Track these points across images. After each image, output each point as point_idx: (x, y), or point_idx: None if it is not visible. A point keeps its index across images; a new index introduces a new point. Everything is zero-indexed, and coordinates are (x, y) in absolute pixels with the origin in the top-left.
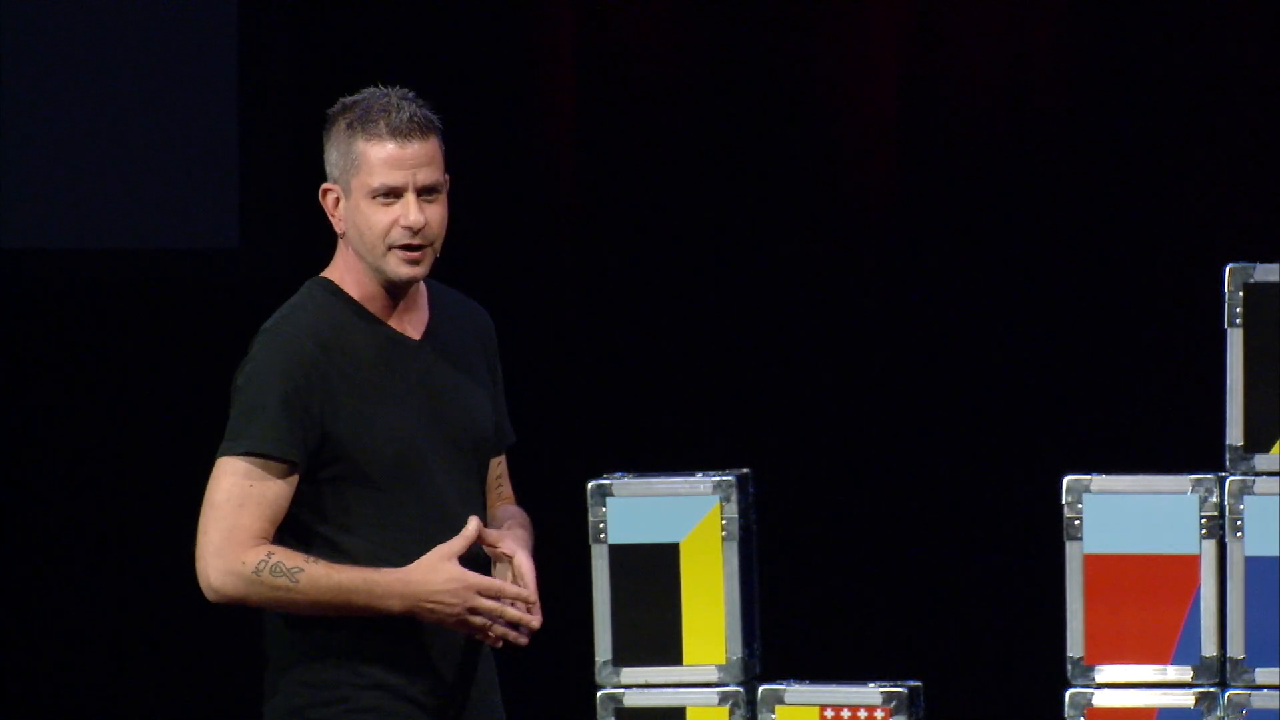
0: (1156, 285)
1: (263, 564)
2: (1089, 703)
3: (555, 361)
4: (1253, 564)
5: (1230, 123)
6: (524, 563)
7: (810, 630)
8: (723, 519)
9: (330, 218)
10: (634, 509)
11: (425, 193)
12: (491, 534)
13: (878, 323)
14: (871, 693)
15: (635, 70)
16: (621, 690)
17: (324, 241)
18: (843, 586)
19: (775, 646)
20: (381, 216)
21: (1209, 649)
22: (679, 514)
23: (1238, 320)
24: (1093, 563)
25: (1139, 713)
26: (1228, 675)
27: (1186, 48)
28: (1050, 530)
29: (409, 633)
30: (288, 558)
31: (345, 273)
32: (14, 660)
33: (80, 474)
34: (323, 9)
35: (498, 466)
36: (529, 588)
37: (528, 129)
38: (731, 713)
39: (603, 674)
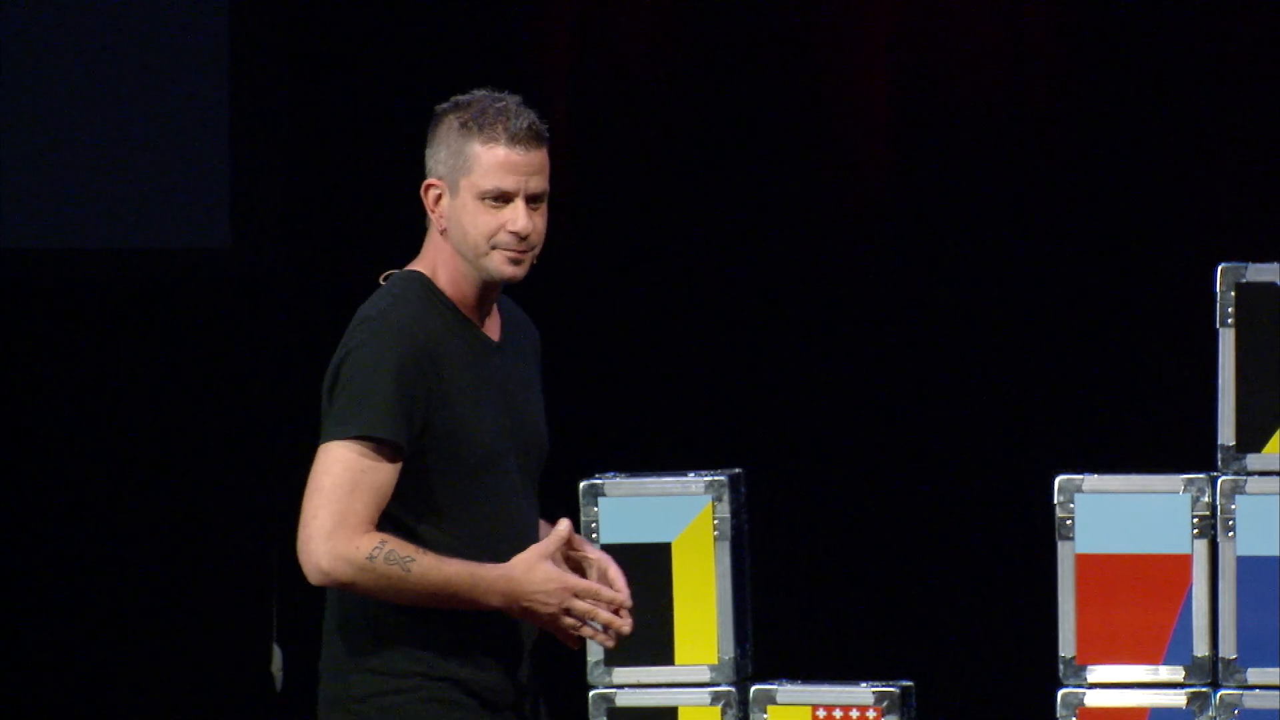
0: (1149, 285)
1: (377, 551)
2: (1081, 703)
3: (547, 362)
4: (1245, 564)
5: (1223, 123)
6: (614, 568)
7: (802, 630)
8: (715, 519)
9: (429, 213)
10: (626, 509)
11: (533, 200)
12: (578, 539)
13: (870, 323)
14: (863, 692)
15: (625, 67)
16: (614, 690)
17: (315, 241)
18: (835, 586)
19: (767, 646)
20: (489, 219)
21: (1201, 649)
22: (671, 514)
23: (1230, 320)
24: (1085, 562)
25: (1131, 713)
26: (1220, 675)
27: (1181, 47)
28: (1042, 530)
29: (481, 628)
30: (400, 546)
31: (439, 269)
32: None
33: (71, 473)
34: (314, 9)
35: None
36: (622, 593)
37: None
38: (724, 713)
39: (595, 674)
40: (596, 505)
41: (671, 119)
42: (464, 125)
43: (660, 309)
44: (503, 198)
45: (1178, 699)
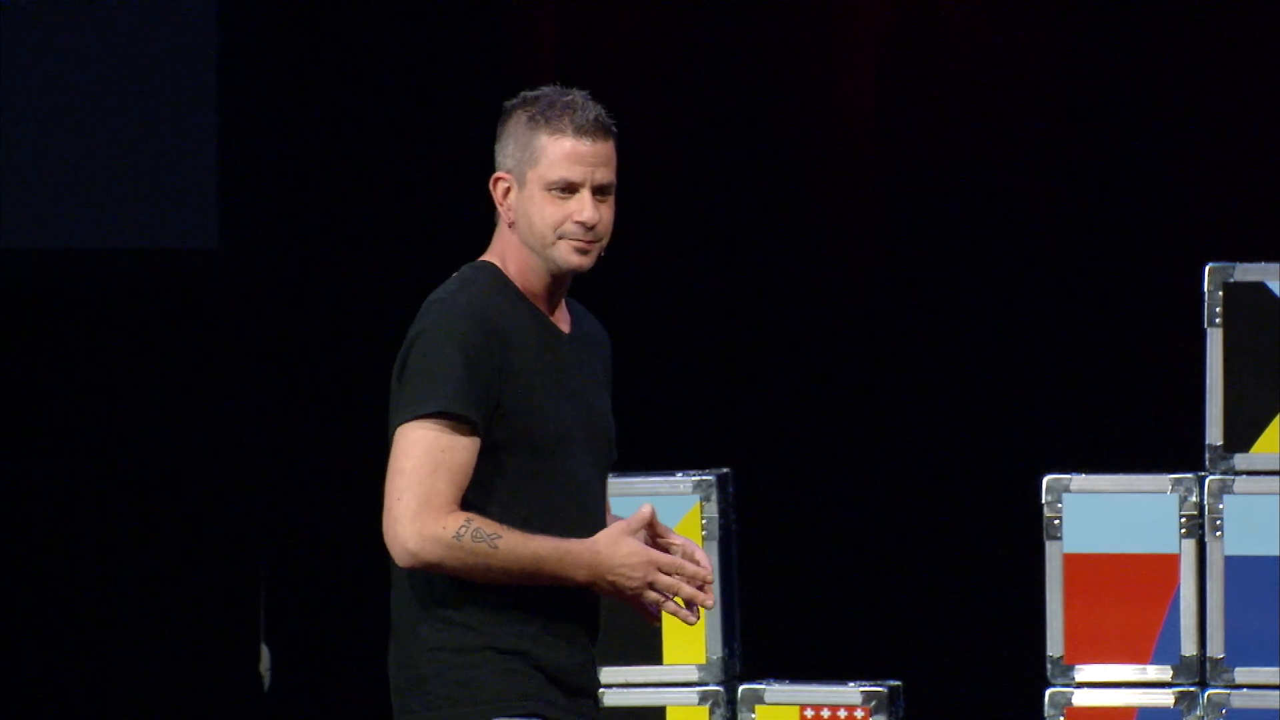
0: (1136, 285)
1: (464, 529)
2: (1069, 702)
3: None
4: (1232, 563)
5: (1211, 124)
6: (699, 552)
7: (790, 630)
8: (703, 518)
9: (498, 207)
10: (614, 508)
11: (600, 191)
12: (660, 525)
13: (858, 324)
14: (851, 692)
15: (613, 64)
16: (602, 690)
17: (303, 242)
18: (823, 586)
19: (755, 646)
20: (556, 210)
21: (1189, 648)
22: (660, 513)
23: (1217, 320)
24: (1073, 562)
25: (1119, 712)
26: (1207, 675)
27: (1170, 49)
28: (1030, 530)
29: (551, 608)
30: (485, 524)
31: (508, 260)
32: None
33: (57, 474)
34: (302, 10)
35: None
36: (705, 568)
37: None
38: (711, 712)
39: None
40: None
41: (657, 120)
42: (531, 119)
43: (648, 310)
44: (569, 189)
45: (1165, 698)
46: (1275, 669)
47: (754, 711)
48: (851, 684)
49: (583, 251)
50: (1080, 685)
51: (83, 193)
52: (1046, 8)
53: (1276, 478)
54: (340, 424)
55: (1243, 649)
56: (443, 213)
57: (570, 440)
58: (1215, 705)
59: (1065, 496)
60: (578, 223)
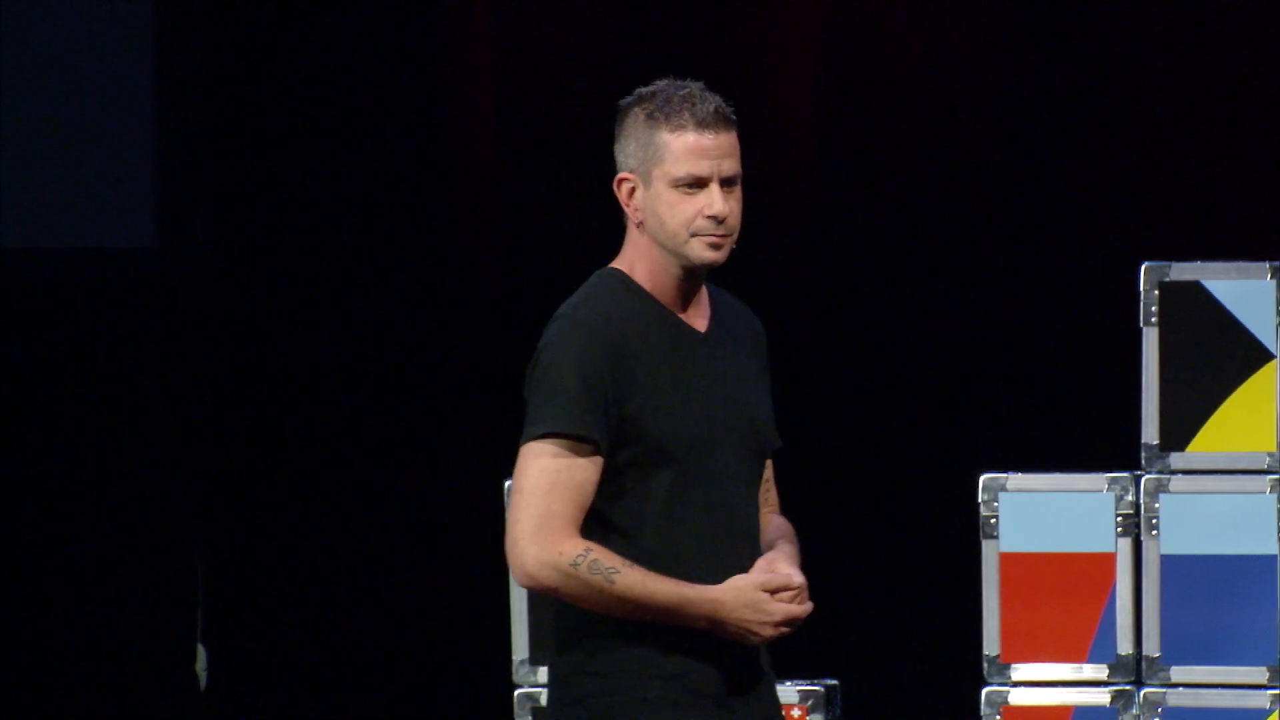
0: (1072, 284)
1: (581, 558)
2: (1005, 701)
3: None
4: (1168, 562)
5: (1145, 122)
6: (778, 558)
7: None
8: None
9: (625, 208)
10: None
11: (727, 183)
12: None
13: (792, 323)
14: (788, 691)
15: (549, 65)
16: (538, 689)
17: (240, 240)
18: None
19: None
20: (685, 206)
21: (1125, 647)
22: None
23: (1153, 319)
24: (1009, 561)
25: (1055, 711)
26: (1143, 673)
27: (1104, 47)
28: (967, 528)
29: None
30: (605, 556)
31: (637, 263)
32: None
33: None
34: (238, 8)
35: (766, 470)
36: (799, 577)
37: (445, 126)
38: None
39: (520, 673)
40: None
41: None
42: (650, 115)
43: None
44: (697, 183)
45: (1102, 697)
46: (1211, 668)
47: None
48: (789, 683)
49: (716, 246)
50: (1017, 684)
51: (18, 191)
52: (982, 7)
53: (1212, 477)
54: (277, 422)
55: (1178, 648)
56: (380, 210)
57: (712, 443)
58: (1151, 704)
59: (1001, 495)
60: (709, 217)
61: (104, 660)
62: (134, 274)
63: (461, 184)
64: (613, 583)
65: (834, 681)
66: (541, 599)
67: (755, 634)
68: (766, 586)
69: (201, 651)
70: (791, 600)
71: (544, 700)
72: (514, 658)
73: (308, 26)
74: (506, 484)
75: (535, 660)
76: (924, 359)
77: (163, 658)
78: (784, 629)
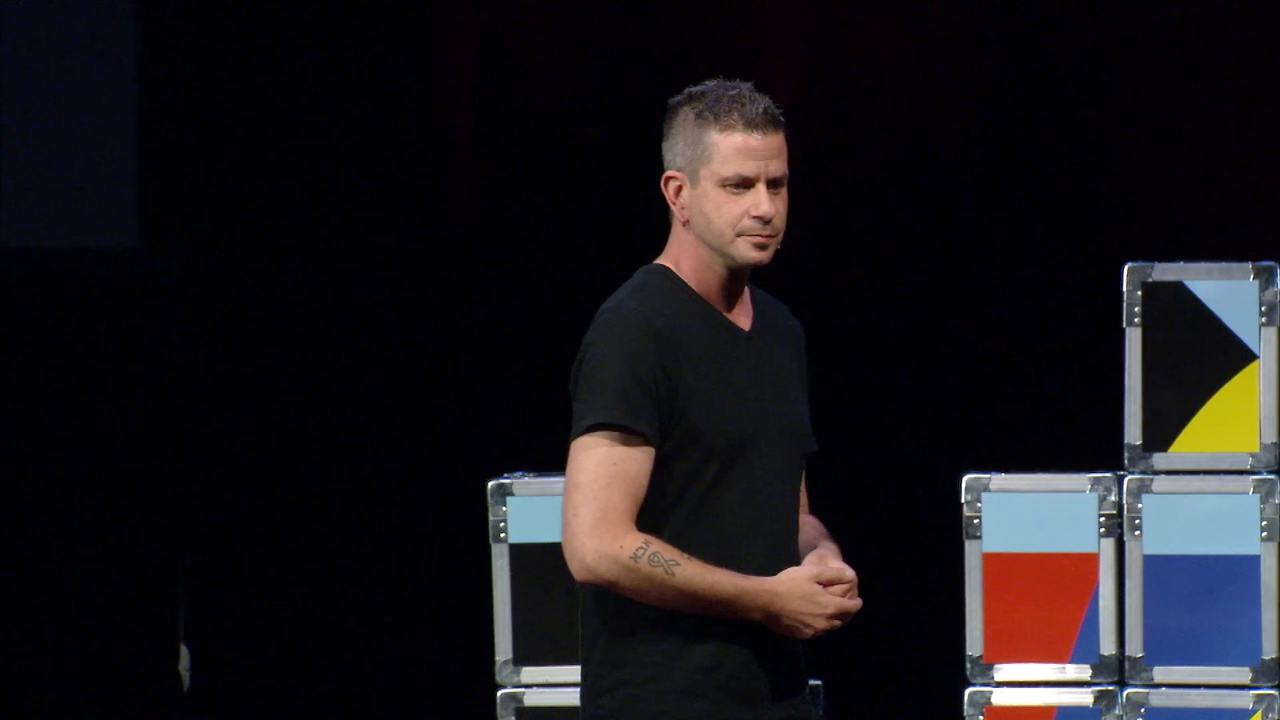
0: (1056, 284)
1: (641, 551)
2: (988, 701)
3: (458, 361)
4: (1151, 562)
5: (1128, 122)
6: (827, 552)
7: None
8: None
9: (671, 206)
10: (534, 508)
11: (773, 184)
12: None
13: None
14: None
15: (535, 60)
16: (522, 690)
17: (223, 241)
18: None
19: None
20: (732, 206)
21: (1108, 648)
22: None
23: (1136, 319)
24: (992, 561)
25: (1038, 711)
26: (1126, 674)
27: (1087, 47)
28: (950, 529)
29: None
30: (664, 549)
31: (682, 260)
32: None
33: None
34: (221, 10)
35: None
36: (849, 571)
37: (427, 127)
38: None
39: (503, 673)
40: (505, 505)
41: (578, 117)
42: (699, 115)
43: (554, 307)
44: (744, 183)
45: (1084, 697)
46: (1194, 668)
47: None
48: None
49: (761, 246)
50: (999, 684)
51: (1, 192)
52: (966, 9)
53: (1195, 477)
54: (260, 422)
55: (1161, 648)
56: (362, 211)
57: (755, 440)
58: (1134, 704)
59: (985, 495)
60: (755, 217)
61: (87, 660)
62: (117, 274)
63: (444, 183)
64: (673, 575)
65: (817, 682)
66: (538, 599)
67: (809, 625)
68: (820, 579)
69: (184, 651)
70: (843, 594)
71: (526, 701)
72: (497, 658)
73: (290, 29)
74: (502, 482)
75: (518, 661)
76: (907, 359)
77: (146, 658)
78: (835, 622)
